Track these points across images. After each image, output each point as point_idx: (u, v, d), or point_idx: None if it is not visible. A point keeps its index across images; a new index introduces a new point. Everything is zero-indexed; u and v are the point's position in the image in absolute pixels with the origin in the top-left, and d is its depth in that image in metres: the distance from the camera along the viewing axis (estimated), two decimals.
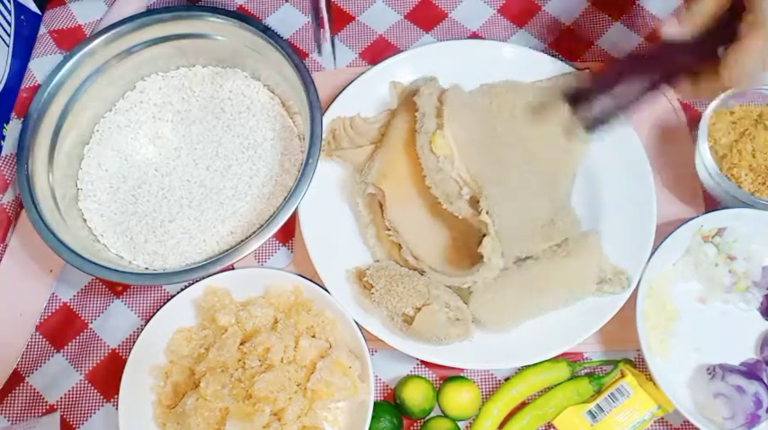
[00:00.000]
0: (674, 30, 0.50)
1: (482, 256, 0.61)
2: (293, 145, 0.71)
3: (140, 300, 0.69)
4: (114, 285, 0.70)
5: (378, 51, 0.80)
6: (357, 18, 0.82)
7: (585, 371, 0.65)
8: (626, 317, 0.62)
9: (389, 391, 0.65)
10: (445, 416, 0.63)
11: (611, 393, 0.62)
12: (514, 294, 0.62)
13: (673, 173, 0.72)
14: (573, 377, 0.64)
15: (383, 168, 0.66)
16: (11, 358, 0.66)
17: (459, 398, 0.62)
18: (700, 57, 0.50)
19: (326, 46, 0.57)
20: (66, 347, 0.67)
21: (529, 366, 0.64)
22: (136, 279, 0.62)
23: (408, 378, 0.64)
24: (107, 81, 0.71)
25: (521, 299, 0.62)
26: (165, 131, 0.72)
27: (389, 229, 0.65)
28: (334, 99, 0.71)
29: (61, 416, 0.65)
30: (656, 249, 0.64)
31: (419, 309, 0.60)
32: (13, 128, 0.71)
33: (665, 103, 0.75)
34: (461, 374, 0.65)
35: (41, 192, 0.65)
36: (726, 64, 0.48)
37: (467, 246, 0.66)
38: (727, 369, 0.62)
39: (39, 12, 0.77)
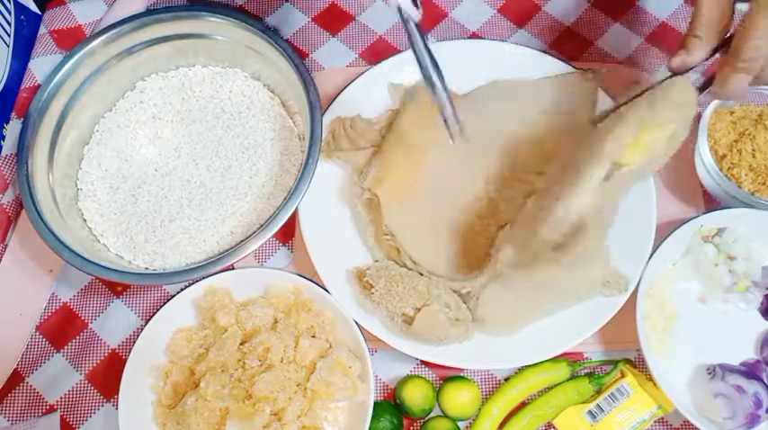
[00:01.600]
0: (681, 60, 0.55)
1: (482, 261, 0.60)
2: (293, 145, 0.71)
3: (140, 300, 0.69)
4: (114, 285, 0.70)
5: (378, 51, 0.80)
6: (357, 18, 0.82)
7: (585, 371, 0.65)
8: (626, 317, 0.62)
9: (389, 391, 0.65)
10: (445, 416, 0.63)
11: (611, 393, 0.62)
12: (521, 299, 0.61)
13: (673, 173, 0.72)
14: (573, 377, 0.64)
15: (379, 174, 0.66)
16: (11, 358, 0.66)
17: (459, 398, 0.62)
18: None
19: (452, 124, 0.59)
20: (66, 347, 0.67)
21: (529, 366, 0.64)
22: (136, 279, 0.62)
23: (408, 378, 0.64)
24: (107, 81, 0.71)
25: (527, 303, 0.62)
26: (165, 131, 0.72)
27: (387, 234, 0.65)
28: (334, 99, 0.71)
29: (61, 416, 0.65)
30: (656, 249, 0.64)
31: (419, 309, 0.60)
32: (13, 128, 0.71)
33: None
34: (461, 374, 0.65)
35: (41, 192, 0.65)
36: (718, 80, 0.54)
37: (465, 250, 0.66)
38: (727, 369, 0.62)
39: (39, 12, 0.77)
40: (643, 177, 0.57)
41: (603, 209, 0.56)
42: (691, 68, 0.56)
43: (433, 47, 0.73)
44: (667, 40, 0.81)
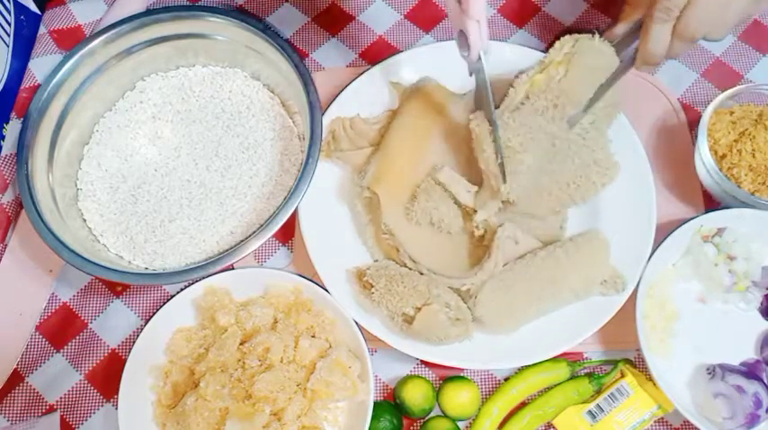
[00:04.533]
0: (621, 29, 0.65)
1: (480, 258, 0.61)
2: (293, 145, 0.71)
3: (140, 300, 0.69)
4: (114, 285, 0.70)
5: (378, 51, 0.80)
6: (357, 18, 0.82)
7: (585, 371, 0.65)
8: (626, 317, 0.62)
9: (389, 391, 0.65)
10: (445, 416, 0.63)
11: (611, 393, 0.62)
12: (519, 296, 0.62)
13: (673, 173, 0.72)
14: (573, 377, 0.64)
15: (378, 172, 0.66)
16: (11, 358, 0.66)
17: (459, 398, 0.62)
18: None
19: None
20: (65, 347, 0.67)
21: (529, 366, 0.64)
22: (136, 279, 0.62)
23: (408, 378, 0.64)
24: (107, 81, 0.71)
25: (525, 301, 0.62)
26: (165, 131, 0.72)
27: (386, 232, 0.65)
28: (334, 99, 0.71)
29: (61, 417, 0.65)
30: (655, 249, 0.64)
31: (419, 308, 0.60)
32: (12, 128, 0.71)
33: (665, 103, 0.76)
34: (461, 374, 0.65)
35: (41, 192, 0.65)
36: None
37: (464, 248, 0.66)
38: (727, 369, 0.62)
39: (39, 12, 0.77)
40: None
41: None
42: (621, 36, 0.64)
43: (434, 47, 0.75)
44: None
